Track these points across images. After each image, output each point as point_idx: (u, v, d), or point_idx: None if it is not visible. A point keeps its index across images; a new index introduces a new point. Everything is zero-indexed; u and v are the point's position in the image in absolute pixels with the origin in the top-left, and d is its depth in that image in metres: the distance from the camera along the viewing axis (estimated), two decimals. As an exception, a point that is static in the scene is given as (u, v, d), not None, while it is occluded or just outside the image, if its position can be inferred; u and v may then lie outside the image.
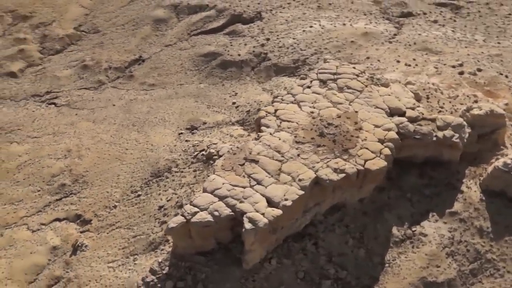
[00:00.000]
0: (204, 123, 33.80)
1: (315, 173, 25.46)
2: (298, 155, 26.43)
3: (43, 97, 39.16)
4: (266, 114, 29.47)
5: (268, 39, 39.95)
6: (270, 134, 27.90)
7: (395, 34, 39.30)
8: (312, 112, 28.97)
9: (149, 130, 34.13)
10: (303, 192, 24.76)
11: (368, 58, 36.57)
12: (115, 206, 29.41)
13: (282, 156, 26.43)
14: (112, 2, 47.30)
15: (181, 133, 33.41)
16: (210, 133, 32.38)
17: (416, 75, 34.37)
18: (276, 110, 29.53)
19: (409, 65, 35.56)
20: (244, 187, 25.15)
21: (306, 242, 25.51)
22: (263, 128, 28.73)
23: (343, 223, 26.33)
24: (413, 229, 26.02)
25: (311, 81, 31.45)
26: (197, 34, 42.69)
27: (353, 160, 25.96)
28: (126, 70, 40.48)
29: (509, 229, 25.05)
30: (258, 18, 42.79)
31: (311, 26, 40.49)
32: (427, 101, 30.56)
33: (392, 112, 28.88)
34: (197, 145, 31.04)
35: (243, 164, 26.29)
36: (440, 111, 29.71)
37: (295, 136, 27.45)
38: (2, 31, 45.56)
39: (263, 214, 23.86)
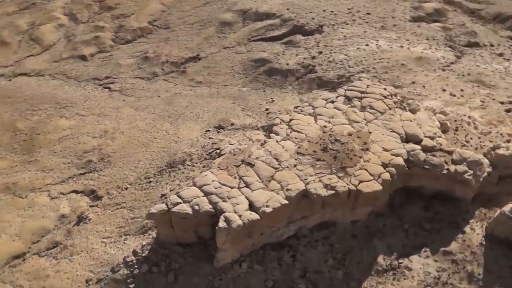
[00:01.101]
0: (232, 124, 34.46)
1: (304, 186, 25.12)
2: (295, 165, 26.23)
3: (101, 81, 42.10)
4: (280, 122, 29.56)
5: (320, 52, 39.80)
6: (276, 141, 27.94)
7: (451, 63, 37.38)
8: (325, 127, 28.59)
9: (181, 124, 35.46)
10: (286, 202, 24.55)
11: (413, 82, 35.18)
12: (126, 188, 30.95)
13: (279, 164, 26.37)
14: (189, 2, 49.58)
15: (208, 130, 34.34)
16: (234, 134, 32.97)
17: (457, 105, 32.54)
18: (291, 120, 29.52)
19: (454, 95, 33.69)
20: (231, 188, 25.45)
21: (284, 252, 25.20)
22: (272, 135, 28.89)
23: (328, 241, 25.68)
24: (400, 261, 24.78)
25: (337, 97, 31.03)
26: (256, 40, 43.50)
27: (347, 179, 25.29)
28: (181, 66, 42.29)
29: (502, 280, 22.97)
30: (318, 32, 42.72)
31: (367, 45, 39.72)
32: (454, 133, 28.86)
33: (408, 139, 27.67)
34: (215, 143, 31.77)
35: (239, 165, 26.61)
36: (464, 145, 27.93)
37: (299, 147, 27.27)
38: (87, 18, 49.60)
39: (240, 216, 23.94)
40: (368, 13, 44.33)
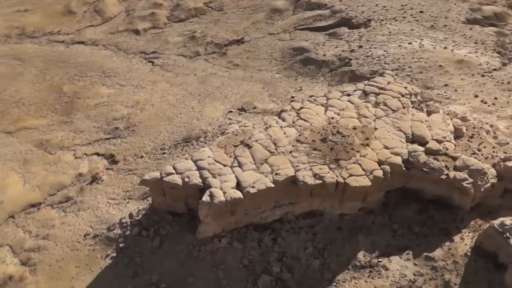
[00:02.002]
0: (254, 108, 35.06)
1: (294, 172, 25.34)
2: (291, 152, 26.50)
3: (147, 55, 44.08)
4: (290, 109, 29.79)
5: (360, 46, 39.32)
6: (281, 127, 28.25)
7: (494, 69, 35.62)
8: (332, 118, 28.53)
9: (208, 102, 36.56)
10: (272, 186, 24.94)
11: (446, 85, 34.01)
12: (142, 156, 32.56)
13: (275, 149, 26.73)
14: (247, -13, 50.45)
15: (231, 111, 35.17)
16: (252, 117, 33.58)
17: (484, 113, 31.17)
18: (301, 108, 29.69)
19: (485, 103, 32.25)
20: (224, 165, 26.19)
21: (266, 235, 25.62)
22: (279, 120, 29.18)
23: (312, 230, 25.79)
24: (380, 260, 24.44)
25: (354, 90, 30.78)
26: (302, 29, 43.62)
27: (338, 171, 25.21)
28: (223, 48, 43.31)
29: (478, 294, 22.10)
30: (365, 26, 42.12)
31: (409, 43, 38.72)
32: (468, 140, 27.76)
33: (414, 139, 27.02)
34: (231, 124, 32.54)
35: (237, 145, 27.26)
36: (474, 153, 26.85)
37: (300, 135, 27.44)
38: (149, -5, 51.88)
39: (224, 193, 24.65)
40: (421, 11, 42.99)
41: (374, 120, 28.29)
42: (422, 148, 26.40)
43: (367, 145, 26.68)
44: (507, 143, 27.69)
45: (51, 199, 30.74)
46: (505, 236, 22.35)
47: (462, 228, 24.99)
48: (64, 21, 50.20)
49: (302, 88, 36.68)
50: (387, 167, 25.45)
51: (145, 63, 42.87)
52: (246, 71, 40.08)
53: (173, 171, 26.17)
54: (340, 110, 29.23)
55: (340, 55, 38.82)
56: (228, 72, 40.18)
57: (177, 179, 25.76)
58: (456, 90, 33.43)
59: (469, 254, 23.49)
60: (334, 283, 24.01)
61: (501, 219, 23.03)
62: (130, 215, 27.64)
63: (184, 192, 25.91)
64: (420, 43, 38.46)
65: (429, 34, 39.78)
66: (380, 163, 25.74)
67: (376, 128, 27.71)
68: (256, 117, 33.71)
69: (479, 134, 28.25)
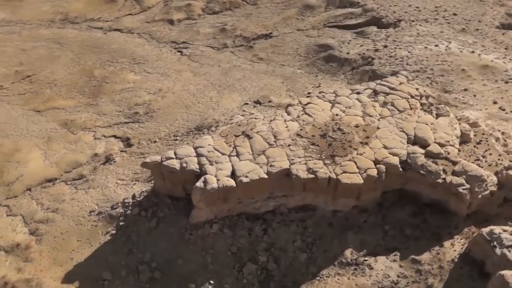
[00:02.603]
0: (270, 101, 35.51)
1: (288, 165, 25.70)
2: (289, 145, 26.85)
3: (178, 44, 45.26)
4: (297, 103, 30.09)
5: (385, 46, 38.98)
6: (284, 120, 28.63)
7: (520, 76, 34.52)
8: (337, 115, 28.65)
9: (226, 93, 37.31)
10: (265, 177, 25.42)
11: (465, 90, 33.30)
12: (155, 141, 33.70)
13: (275, 141, 27.17)
14: (285, -18, 50.68)
15: (246, 103, 35.76)
16: (266, 111, 34.05)
17: (500, 120, 30.40)
18: (308, 103, 29.93)
19: (503, 110, 31.44)
20: (223, 154, 26.89)
21: (257, 224, 26.13)
22: (284, 114, 29.54)
23: (303, 224, 26.09)
24: (366, 258, 24.44)
25: (365, 89, 30.72)
26: (331, 26, 43.58)
27: (332, 167, 25.40)
28: (251, 41, 43.87)
29: (457, 300, 21.82)
30: (394, 26, 41.63)
31: (436, 45, 38.07)
32: (475, 146, 27.20)
33: (416, 141, 26.78)
34: (243, 115, 33.14)
35: (239, 136, 27.87)
36: (477, 159, 26.32)
37: (301, 129, 27.74)
38: (188, -14, 52.98)
39: (218, 180, 25.35)
40: (455, 14, 42.04)
41: (379, 120, 28.15)
42: (422, 151, 26.09)
43: (366, 143, 26.63)
44: (515, 152, 26.86)
45: (66, 175, 32.33)
46: (492, 244, 21.87)
47: (455, 234, 24.59)
48: (106, 8, 52.12)
49: (321, 84, 36.77)
50: (382, 167, 25.35)
51: (174, 52, 44.06)
52: (269, 65, 40.51)
53: (173, 156, 27.07)
54: (346, 107, 29.25)
55: (363, 54, 38.60)
56: (251, 65, 40.74)
57: (175, 163, 26.64)
58: (475, 95, 32.65)
59: (456, 260, 23.11)
60: (318, 277, 24.23)
61: (491, 227, 22.55)
62: (133, 196, 28.76)
63: (182, 177, 26.75)
64: (447, 46, 37.68)
65: (459, 37, 38.89)
66: (376, 162, 25.66)
67: (378, 128, 27.59)
68: (270, 110, 34.14)
69: (487, 141, 27.58)
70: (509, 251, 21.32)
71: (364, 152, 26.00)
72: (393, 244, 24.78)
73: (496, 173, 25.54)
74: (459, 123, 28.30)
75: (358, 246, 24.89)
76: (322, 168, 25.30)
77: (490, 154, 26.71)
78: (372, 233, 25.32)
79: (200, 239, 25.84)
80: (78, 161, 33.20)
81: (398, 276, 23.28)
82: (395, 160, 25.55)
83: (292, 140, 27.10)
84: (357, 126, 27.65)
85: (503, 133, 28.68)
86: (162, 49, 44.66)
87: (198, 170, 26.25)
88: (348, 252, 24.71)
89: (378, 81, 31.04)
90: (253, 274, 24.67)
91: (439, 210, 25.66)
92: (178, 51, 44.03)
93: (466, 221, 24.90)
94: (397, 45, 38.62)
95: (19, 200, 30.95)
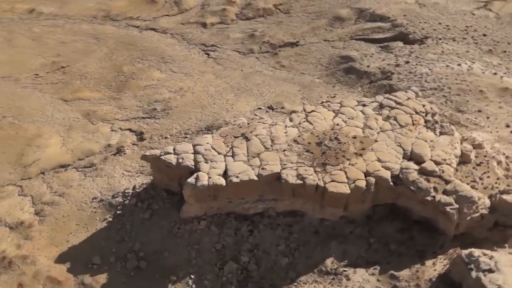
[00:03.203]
0: (282, 107, 35.94)
1: (279, 170, 26.10)
2: (284, 150, 27.27)
3: (206, 47, 46.38)
4: (301, 111, 30.46)
5: (407, 62, 38.69)
6: (285, 126, 29.05)
7: (540, 102, 33.52)
8: (338, 125, 28.83)
9: (243, 97, 38.01)
10: (255, 179, 25.95)
11: (479, 111, 32.68)
12: (166, 138, 34.78)
13: (271, 145, 27.67)
14: (320, -6, 51.10)
15: (260, 108, 36.34)
16: (276, 116, 34.49)
17: (509, 144, 29.64)
18: (311, 111, 30.26)
19: (515, 134, 30.60)
20: (219, 153, 27.62)
21: (244, 225, 26.60)
22: (286, 120, 29.95)
23: (289, 229, 26.36)
24: (345, 269, 24.47)
25: (371, 102, 30.77)
26: (358, 39, 43.58)
27: (321, 175, 25.63)
28: (276, 48, 44.43)
29: (426, 320, 21.56)
30: (420, 42, 41.23)
31: (459, 64, 37.46)
32: (473, 167, 26.75)
33: (412, 157, 26.61)
34: (252, 118, 33.76)
35: (237, 137, 28.53)
36: (473, 181, 25.88)
37: (299, 136, 28.08)
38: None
39: (209, 178, 26.06)
40: (484, 35, 41.21)
41: (378, 133, 28.07)
42: (416, 167, 25.86)
43: (361, 155, 26.64)
44: (515, 177, 26.18)
45: (78, 163, 33.83)
46: (469, 267, 21.49)
47: (440, 254, 24.25)
48: (146, 8, 54.02)
49: (336, 95, 36.87)
50: (372, 179, 25.31)
51: (201, 54, 45.20)
52: (290, 72, 40.93)
53: (171, 151, 27.98)
54: (349, 118, 29.33)
55: (384, 68, 38.43)
56: (272, 72, 41.29)
57: (172, 159, 27.52)
58: (488, 118, 31.96)
59: (434, 280, 22.79)
60: (295, 283, 24.44)
61: (471, 250, 22.17)
62: (134, 187, 29.86)
63: (178, 172, 27.58)
64: (469, 66, 36.99)
65: (484, 58, 38.11)
66: (367, 174, 25.64)
67: (376, 140, 27.52)
68: (281, 116, 34.52)
69: (488, 163, 27.00)
70: (485, 276, 20.89)
71: (356, 163, 26.02)
72: (375, 257, 24.65)
73: (490, 197, 24.98)
74: (462, 143, 27.72)
75: (340, 256, 24.90)
76: (311, 175, 25.51)
77: (488, 177, 26.13)
78: (356, 244, 25.27)
79: (187, 234, 26.54)
80: (92, 150, 34.64)
81: (373, 290, 23.10)
82: (387, 174, 25.44)
83: (288, 145, 27.44)
84: (354, 137, 27.69)
85: (507, 157, 27.96)
86: (191, 50, 45.91)
87: (192, 167, 27.01)
88: (329, 261, 24.77)
89: (386, 95, 30.93)
90: (233, 273, 25.11)
91: (427, 228, 25.35)
92: (206, 53, 45.11)
93: (453, 242, 24.47)
94: (419, 62, 38.24)
95: (32, 182, 32.59)
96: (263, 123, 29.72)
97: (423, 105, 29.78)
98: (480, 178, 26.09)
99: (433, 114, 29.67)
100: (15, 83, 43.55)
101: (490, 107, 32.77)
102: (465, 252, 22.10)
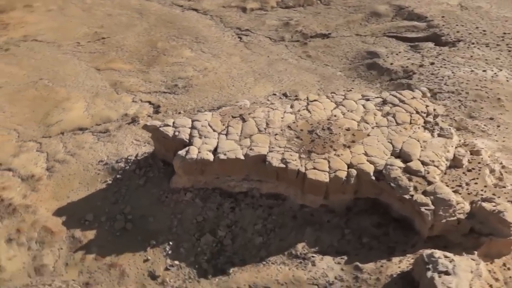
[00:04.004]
0: (296, 96, 36.40)
1: (266, 152, 26.84)
2: (276, 134, 27.96)
3: (241, 31, 47.32)
4: (304, 99, 30.97)
5: (432, 63, 38.12)
6: (284, 111, 29.69)
7: (560, 115, 32.26)
8: (335, 116, 29.12)
9: (262, 82, 38.76)
10: (241, 158, 26.84)
11: (491, 119, 31.93)
12: (179, 113, 36.19)
13: (265, 128, 28.44)
14: (363, -12, 50.80)
15: (275, 94, 37.00)
16: (287, 103, 35.00)
17: (511, 155, 28.90)
18: (314, 100, 30.68)
19: (521, 145, 29.76)
20: (214, 131, 28.70)
21: (227, 202, 27.53)
22: (288, 106, 30.54)
23: (269, 210, 27.05)
24: (314, 255, 24.95)
25: (375, 97, 30.80)
26: (390, 36, 43.17)
27: (304, 161, 26.13)
28: (307, 39, 44.74)
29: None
30: (451, 45, 40.40)
31: (484, 70, 36.53)
32: (463, 172, 26.38)
33: (400, 155, 26.59)
34: (263, 104, 34.51)
35: (235, 117, 29.47)
36: (459, 185, 25.57)
37: (294, 122, 28.63)
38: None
39: (199, 153, 27.21)
40: (521, 43, 39.75)
41: (373, 128, 28.11)
42: (402, 165, 25.80)
43: (349, 147, 26.85)
44: (504, 187, 25.59)
45: (95, 127, 35.85)
46: (427, 267, 21.50)
47: (409, 252, 24.18)
48: (192, -11, 55.61)
49: (353, 89, 36.87)
50: (354, 171, 25.52)
51: (234, 37, 46.22)
52: (314, 63, 41.22)
53: (170, 124, 29.26)
54: (348, 111, 29.53)
55: (407, 67, 38.01)
56: (297, 61, 41.70)
57: (169, 131, 28.82)
58: (498, 126, 31.14)
59: (394, 276, 22.89)
60: (264, 262, 25.10)
61: (433, 251, 22.12)
62: (136, 155, 31.49)
63: (173, 144, 28.86)
64: (495, 73, 35.97)
65: (514, 66, 36.90)
66: (350, 166, 25.87)
67: (369, 135, 27.60)
68: (290, 103, 34.91)
69: (479, 170, 26.49)
70: (439, 277, 20.87)
71: (342, 154, 26.29)
72: (345, 248, 24.93)
73: (471, 203, 24.61)
74: (457, 148, 27.33)
75: (312, 242, 25.33)
76: (295, 160, 26.05)
77: (476, 183, 25.68)
78: (330, 233, 25.62)
79: (173, 203, 27.79)
80: (110, 117, 36.55)
81: (335, 278, 23.50)
82: (369, 168, 25.57)
83: (281, 130, 28.04)
84: (348, 129, 27.90)
85: (503, 167, 27.31)
86: (225, 33, 47.02)
87: (187, 140, 28.20)
88: (300, 246, 25.26)
89: (393, 92, 30.79)
90: (209, 245, 26.10)
91: (404, 226, 25.31)
92: (239, 37, 46.11)
93: (426, 243, 24.31)
94: (444, 64, 37.55)
95: (51, 141, 34.90)
96: (266, 107, 30.19)
97: (426, 106, 29.41)
98: (467, 184, 25.67)
99: (435, 116, 29.31)
100: (58, 49, 46.31)
101: (504, 116, 31.87)
102: (427, 252, 22.07)
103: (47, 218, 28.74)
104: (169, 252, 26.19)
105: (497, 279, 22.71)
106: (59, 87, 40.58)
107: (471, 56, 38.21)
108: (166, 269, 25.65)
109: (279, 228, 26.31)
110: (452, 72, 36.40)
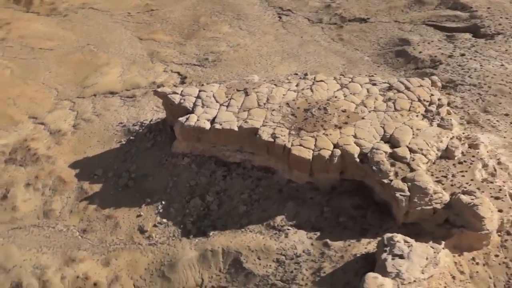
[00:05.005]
0: (314, 77, 36.87)
1: (260, 126, 27.96)
2: (273, 110, 28.95)
3: (282, 11, 47.96)
4: (310, 78, 31.64)
5: (462, 55, 37.19)
6: (288, 89, 30.57)
7: None
8: (336, 97, 29.62)
9: (287, 62, 39.54)
10: (235, 130, 28.17)
11: (506, 115, 31.08)
12: (202, 85, 37.77)
13: (264, 104, 29.50)
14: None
15: (296, 74, 37.72)
16: (304, 82, 35.64)
17: (513, 152, 28.22)
18: (321, 81, 31.22)
19: (528, 143, 28.87)
20: (216, 102, 30.18)
21: (220, 170, 28.96)
22: (293, 84, 31.31)
23: (258, 182, 28.21)
24: (290, 228, 25.91)
25: (383, 82, 30.91)
26: (429, 24, 42.25)
27: (292, 138, 26.99)
28: (344, 22, 44.71)
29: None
30: (489, 37, 39.08)
31: (515, 66, 35.30)
32: (454, 164, 26.11)
33: (390, 140, 26.73)
34: (282, 82, 35.40)
35: (240, 90, 30.69)
36: (445, 176, 25.46)
37: (293, 100, 29.47)
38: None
39: (197, 121, 28.82)
40: None
41: (370, 111, 28.33)
42: (388, 149, 25.94)
43: (340, 128, 27.31)
44: (491, 183, 25.13)
45: (124, 92, 38.38)
46: (384, 249, 21.92)
47: (380, 236, 24.46)
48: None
49: (375, 74, 36.80)
50: (338, 151, 26.01)
51: (274, 17, 47.04)
52: (345, 46, 41.32)
53: (179, 92, 30.96)
54: (350, 93, 29.83)
55: (435, 56, 37.34)
56: (328, 43, 41.98)
57: (176, 98, 30.55)
58: (511, 123, 30.24)
59: (357, 255, 23.41)
60: (243, 229, 26.35)
61: (395, 234, 22.38)
62: (151, 120, 33.57)
63: (178, 111, 30.56)
64: (526, 69, 34.63)
65: (551, 63, 35.29)
66: (336, 146, 26.38)
67: (363, 118, 27.89)
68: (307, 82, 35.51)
69: (471, 164, 26.10)
70: (392, 259, 21.21)
71: (330, 134, 26.82)
72: (321, 224, 25.62)
73: (452, 194, 24.48)
74: (452, 139, 27.01)
75: (291, 216, 26.20)
76: (284, 136, 26.94)
77: (463, 176, 25.40)
78: (310, 209, 26.35)
79: (171, 166, 29.62)
80: (139, 84, 38.93)
81: (303, 251, 24.32)
82: (354, 149, 25.96)
83: (279, 106, 28.93)
84: (344, 111, 28.31)
85: (499, 163, 26.70)
86: (267, 11, 47.93)
87: (190, 109, 29.80)
88: (279, 218, 26.22)
89: (400, 79, 30.68)
90: (197, 208, 27.74)
91: (384, 211, 25.57)
92: (279, 16, 46.89)
93: (400, 228, 24.43)
94: (475, 56, 36.54)
95: (84, 101, 37.85)
96: (272, 83, 31.11)
97: (431, 95, 29.10)
98: (453, 176, 25.44)
99: (439, 106, 28.92)
100: (110, 18, 49.34)
101: (520, 112, 30.83)
102: (388, 235, 22.35)
103: (62, 169, 31.49)
104: (160, 210, 28.05)
105: (462, 272, 22.57)
106: (102, 53, 43.43)
107: (506, 50, 36.86)
108: (155, 225, 27.55)
109: (264, 199, 27.36)
110: (480, 65, 35.38)
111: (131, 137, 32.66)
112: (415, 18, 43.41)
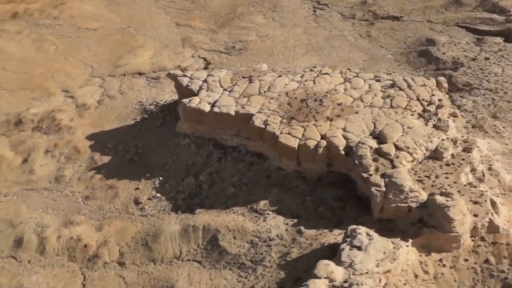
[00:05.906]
0: (320, 69, 37.23)
1: (255, 112, 29.04)
2: (272, 98, 29.95)
3: (319, 5, 48.04)
4: (316, 71, 32.23)
5: (487, 59, 36.28)
6: (291, 80, 31.43)
7: None
8: (335, 90, 30.17)
9: (309, 55, 40.08)
10: (232, 114, 29.43)
11: (514, 122, 30.36)
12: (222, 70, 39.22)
13: (265, 92, 30.51)
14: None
15: (315, 67, 37.92)
16: (309, 74, 36.12)
17: (509, 160, 27.68)
18: (325, 73, 31.80)
19: (530, 152, 28.16)
20: (221, 87, 31.52)
21: (217, 153, 30.30)
22: (297, 75, 32.07)
23: (249, 167, 29.30)
24: (270, 213, 26.83)
25: (387, 79, 31.07)
26: (461, 26, 41.39)
27: (282, 126, 27.90)
28: (377, 19, 44.49)
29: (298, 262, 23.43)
30: (521, 43, 37.96)
31: (539, 73, 34.20)
32: (440, 165, 26.01)
33: (379, 136, 27.03)
34: (291, 71, 36.19)
35: (245, 77, 31.85)
36: (427, 176, 25.48)
37: (293, 90, 30.28)
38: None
39: (199, 103, 30.31)
40: None
41: (365, 107, 28.63)
42: (374, 145, 26.21)
43: (332, 120, 27.84)
44: (474, 187, 24.84)
45: (150, 74, 40.42)
46: (345, 240, 22.46)
47: (356, 229, 24.86)
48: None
49: (393, 72, 36.68)
50: (324, 143, 26.61)
51: (309, 10, 47.51)
52: (370, 43, 41.26)
53: (188, 75, 32.51)
54: (351, 88, 30.19)
55: (458, 58, 36.66)
56: (355, 39, 42.04)
57: (184, 80, 32.13)
58: (516, 128, 29.54)
59: (325, 244, 24.01)
60: (228, 210, 27.52)
61: (358, 226, 22.82)
62: (165, 101, 35.32)
63: (186, 93, 32.12)
64: (549, 77, 33.43)
65: None
66: (323, 137, 26.96)
67: (356, 112, 28.24)
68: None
69: (458, 167, 25.89)
70: (350, 250, 21.70)
71: (320, 125, 27.42)
72: (300, 212, 26.29)
73: (430, 194, 24.51)
74: (444, 140, 26.85)
75: (274, 201, 27.03)
76: (275, 123, 27.83)
77: (447, 178, 25.25)
78: (293, 197, 27.06)
79: (173, 145, 31.24)
80: (166, 67, 40.80)
81: (277, 236, 25.14)
82: (340, 142, 26.44)
83: (279, 95, 29.79)
84: (339, 104, 28.76)
85: (490, 169, 26.29)
86: (303, 4, 48.50)
87: (195, 91, 31.27)
88: (262, 203, 27.14)
89: (405, 77, 30.65)
90: (190, 186, 29.18)
91: (364, 205, 25.89)
92: (313, 10, 47.34)
93: (375, 223, 24.80)
94: (499, 61, 35.60)
95: (113, 80, 40.25)
96: (277, 73, 31.99)
97: (432, 95, 28.94)
98: (437, 177, 25.34)
99: (439, 106, 28.72)
100: (154, 3, 51.69)
101: (531, 119, 29.97)
102: (352, 227, 22.81)
103: (79, 140, 33.89)
104: (157, 185, 29.73)
105: (426, 272, 22.69)
106: (139, 36, 45.77)
107: (533, 56, 35.56)
108: (149, 199, 29.28)
109: (252, 183, 28.36)
110: (502, 70, 34.45)
111: (145, 116, 34.56)
112: (449, 19, 42.56)
